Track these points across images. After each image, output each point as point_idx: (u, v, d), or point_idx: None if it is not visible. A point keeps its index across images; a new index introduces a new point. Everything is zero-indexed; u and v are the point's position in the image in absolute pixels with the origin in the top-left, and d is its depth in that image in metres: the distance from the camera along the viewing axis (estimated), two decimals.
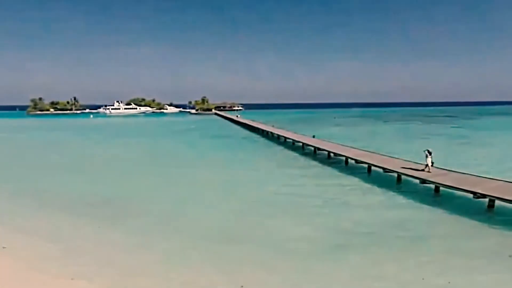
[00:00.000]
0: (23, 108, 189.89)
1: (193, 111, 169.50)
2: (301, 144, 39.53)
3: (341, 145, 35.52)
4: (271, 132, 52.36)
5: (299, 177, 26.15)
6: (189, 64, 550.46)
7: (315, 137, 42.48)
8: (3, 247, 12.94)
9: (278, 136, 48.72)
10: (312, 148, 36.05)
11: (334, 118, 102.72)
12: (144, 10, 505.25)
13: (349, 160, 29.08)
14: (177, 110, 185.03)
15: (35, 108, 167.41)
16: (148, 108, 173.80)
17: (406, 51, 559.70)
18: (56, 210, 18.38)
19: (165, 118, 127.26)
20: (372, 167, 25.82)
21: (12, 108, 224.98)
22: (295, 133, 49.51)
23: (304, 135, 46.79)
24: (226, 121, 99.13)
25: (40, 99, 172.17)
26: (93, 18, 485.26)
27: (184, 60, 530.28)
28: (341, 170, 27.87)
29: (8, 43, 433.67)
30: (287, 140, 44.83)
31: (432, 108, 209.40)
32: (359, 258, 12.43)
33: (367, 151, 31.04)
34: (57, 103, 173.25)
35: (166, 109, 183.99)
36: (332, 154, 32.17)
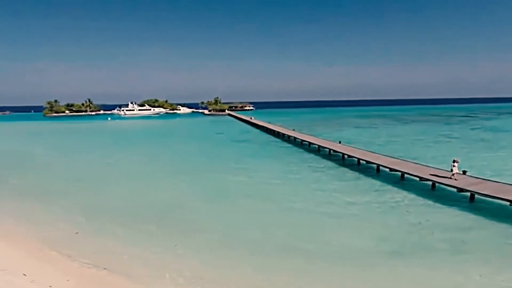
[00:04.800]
0: (38, 110, 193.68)
1: (206, 111, 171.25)
2: (327, 150, 40.89)
3: (370, 151, 36.63)
4: (294, 137, 53.45)
5: (333, 184, 27.15)
6: (199, 64, 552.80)
7: (341, 143, 43.67)
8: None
9: (302, 141, 49.83)
10: (340, 155, 37.49)
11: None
12: (156, 11, 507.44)
13: (380, 167, 30.58)
14: (189, 110, 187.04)
15: (51, 110, 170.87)
16: (162, 109, 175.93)
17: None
18: (125, 221, 19.71)
19: (184, 120, 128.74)
20: (405, 175, 27.19)
21: (27, 109, 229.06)
22: (319, 138, 50.40)
23: (325, 139, 48.07)
24: (241, 123, 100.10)
25: (55, 101, 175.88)
26: (105, 21, 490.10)
27: (193, 61, 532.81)
28: (374, 177, 28.98)
29: (22, 47, 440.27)
30: (312, 145, 46.12)
31: (447, 106, 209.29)
32: (414, 266, 13.71)
33: (399, 158, 32.15)
34: (72, 105, 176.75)
35: (179, 109, 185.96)
36: (362, 162, 33.47)
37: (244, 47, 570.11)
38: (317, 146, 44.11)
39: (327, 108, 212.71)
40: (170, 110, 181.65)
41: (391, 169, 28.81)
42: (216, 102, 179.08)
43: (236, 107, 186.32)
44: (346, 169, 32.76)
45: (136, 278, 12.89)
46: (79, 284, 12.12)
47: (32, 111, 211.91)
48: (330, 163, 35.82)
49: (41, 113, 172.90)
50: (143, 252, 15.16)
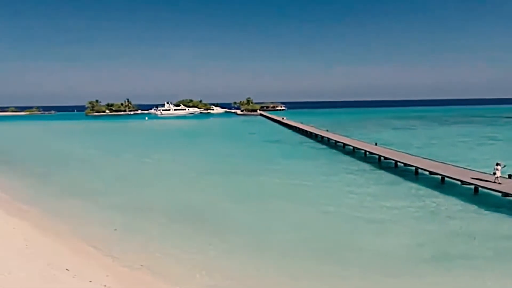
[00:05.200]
0: (80, 109, 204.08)
1: (239, 111, 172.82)
2: (363, 151, 39.92)
3: (408, 154, 35.36)
4: (328, 138, 52.66)
5: (369, 188, 26.45)
6: (232, 65, 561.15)
7: (377, 144, 42.45)
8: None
9: (336, 142, 48.93)
10: (377, 157, 36.43)
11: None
12: (188, 12, 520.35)
13: (419, 170, 29.38)
14: (222, 110, 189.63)
15: (93, 110, 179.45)
16: (196, 109, 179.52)
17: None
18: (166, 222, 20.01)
19: (217, 120, 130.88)
20: (446, 178, 25.95)
21: (71, 109, 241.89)
22: (354, 139, 49.24)
23: (361, 140, 46.92)
24: (273, 123, 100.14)
25: (96, 101, 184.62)
26: (141, 22, 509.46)
27: (226, 61, 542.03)
28: (412, 181, 27.92)
29: (66, 49, 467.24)
30: (347, 146, 45.14)
31: (492, 107, 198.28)
32: (455, 274, 13.06)
33: (439, 161, 30.76)
34: (112, 105, 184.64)
35: (213, 109, 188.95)
36: (400, 164, 32.34)
37: (275, 47, 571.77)
38: (352, 147, 43.17)
39: (361, 109, 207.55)
40: (204, 110, 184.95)
41: (430, 172, 27.60)
42: (248, 102, 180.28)
43: (267, 107, 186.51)
44: (382, 172, 31.83)
45: (168, 277, 13.09)
46: (117, 280, 12.46)
47: (75, 110, 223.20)
48: (365, 166, 34.96)
49: (83, 112, 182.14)
50: (177, 251, 15.39)
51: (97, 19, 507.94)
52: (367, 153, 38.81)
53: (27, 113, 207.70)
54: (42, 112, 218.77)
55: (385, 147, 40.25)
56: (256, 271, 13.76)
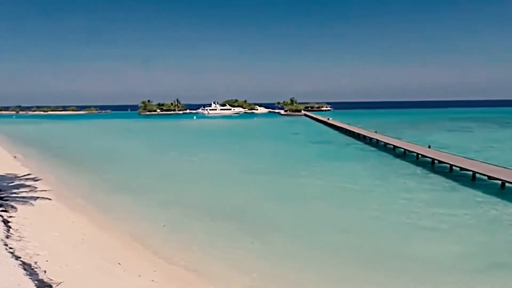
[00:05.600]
0: (133, 108, 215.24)
1: (282, 111, 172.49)
2: (415, 154, 37.96)
3: (464, 157, 32.97)
4: (377, 140, 50.79)
5: (421, 193, 25.06)
6: (275, 65, 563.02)
7: (430, 147, 40.13)
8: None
9: (385, 144, 47.05)
10: (430, 160, 34.41)
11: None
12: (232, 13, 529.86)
13: (476, 175, 27.29)
14: (266, 110, 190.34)
15: (145, 109, 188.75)
16: (241, 109, 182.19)
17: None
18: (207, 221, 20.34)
19: (261, 120, 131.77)
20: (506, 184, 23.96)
21: (125, 108, 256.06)
22: (405, 141, 46.89)
23: (412, 142, 44.59)
24: (318, 124, 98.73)
25: (148, 101, 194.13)
26: (187, 24, 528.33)
27: (270, 62, 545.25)
28: (469, 186, 26.12)
29: (121, 51, 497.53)
30: (397, 149, 43.22)
31: None
32: None
33: (498, 165, 28.30)
34: (163, 105, 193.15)
35: (257, 109, 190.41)
36: (455, 168, 30.26)
37: (320, 47, 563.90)
38: (403, 150, 41.22)
39: (411, 109, 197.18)
40: (249, 110, 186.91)
41: (489, 177, 25.54)
42: (292, 102, 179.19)
43: (312, 107, 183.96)
44: (436, 176, 30.06)
45: (211, 276, 13.23)
46: (164, 276, 12.86)
47: (129, 109, 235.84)
48: (417, 169, 33.26)
49: (136, 111, 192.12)
50: (219, 250, 15.57)
51: (150, 22, 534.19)
52: (419, 156, 36.84)
53: (86, 112, 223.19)
54: (99, 111, 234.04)
55: (439, 150, 37.91)
56: (297, 275, 13.53)
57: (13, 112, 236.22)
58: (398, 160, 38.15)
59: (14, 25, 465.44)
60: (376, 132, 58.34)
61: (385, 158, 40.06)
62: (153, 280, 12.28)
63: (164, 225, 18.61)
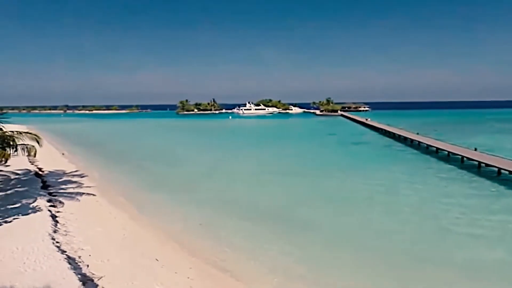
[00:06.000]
0: (172, 108, 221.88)
1: (318, 112, 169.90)
2: (460, 157, 35.95)
3: None
4: (418, 141, 48.60)
5: (466, 198, 23.67)
6: (311, 65, 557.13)
7: (477, 150, 37.78)
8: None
9: (428, 146, 44.91)
10: (476, 163, 32.39)
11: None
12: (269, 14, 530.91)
13: None
14: (301, 110, 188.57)
15: (183, 109, 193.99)
16: (275, 109, 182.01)
17: None
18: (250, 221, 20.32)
19: (296, 120, 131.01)
20: None
21: (164, 108, 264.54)
22: (448, 143, 44.45)
23: (457, 145, 42.27)
24: (356, 124, 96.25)
25: (186, 101, 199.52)
26: (222, 25, 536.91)
27: (305, 63, 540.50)
28: None
29: (161, 53, 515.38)
30: (440, 151, 41.14)
31: None
32: None
33: None
34: (200, 104, 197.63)
35: (291, 109, 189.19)
36: (504, 172, 28.32)
37: (355, 47, 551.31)
38: (446, 152, 39.24)
39: (454, 110, 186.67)
40: (283, 110, 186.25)
41: None
42: (328, 102, 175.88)
43: (349, 107, 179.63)
44: (482, 180, 28.37)
45: (246, 276, 13.25)
46: (200, 273, 13.05)
47: (168, 109, 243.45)
48: (462, 173, 31.50)
49: (174, 111, 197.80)
50: (256, 251, 15.54)
51: (183, 27, 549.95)
52: (465, 159, 34.84)
53: (128, 111, 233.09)
54: (140, 110, 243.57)
55: (486, 153, 35.62)
56: (333, 278, 13.27)
57: (61, 111, 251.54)
58: (441, 163, 36.29)
59: (67, 27, 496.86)
60: (417, 133, 55.89)
61: (427, 161, 38.22)
62: (188, 277, 12.51)
63: (200, 224, 18.92)
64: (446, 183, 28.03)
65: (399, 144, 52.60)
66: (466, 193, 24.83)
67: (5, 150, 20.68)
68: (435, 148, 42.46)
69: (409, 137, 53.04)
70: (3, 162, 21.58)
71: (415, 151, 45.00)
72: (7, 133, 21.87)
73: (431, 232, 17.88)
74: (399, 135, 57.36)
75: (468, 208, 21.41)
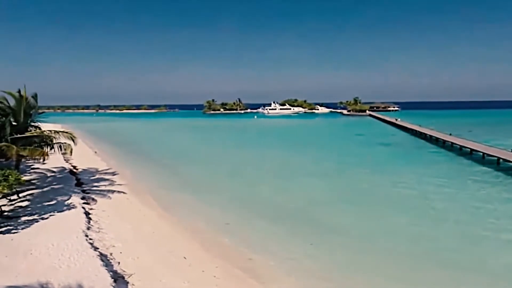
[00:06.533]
0: (199, 108, 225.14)
1: (345, 111, 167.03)
2: (495, 159, 34.35)
3: None
4: (451, 142, 46.85)
5: (503, 202, 22.69)
6: (337, 64, 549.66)
7: None
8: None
9: (461, 147, 43.24)
10: None
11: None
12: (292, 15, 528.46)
13: None
14: (327, 110, 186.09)
15: (209, 109, 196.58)
16: (301, 109, 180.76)
17: None
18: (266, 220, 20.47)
19: (322, 120, 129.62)
20: None
21: (191, 107, 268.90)
22: (483, 144, 42.56)
23: (492, 146, 40.41)
24: (385, 125, 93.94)
25: (213, 100, 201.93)
26: (247, 24, 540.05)
27: (332, 63, 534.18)
28: None
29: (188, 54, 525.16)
30: (474, 152, 39.48)
31: None
32: None
33: None
34: (226, 104, 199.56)
35: (317, 109, 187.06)
36: None
37: (381, 46, 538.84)
38: (481, 154, 37.65)
39: (487, 110, 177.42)
40: (309, 109, 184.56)
41: None
42: (355, 102, 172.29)
43: (378, 107, 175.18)
44: None
45: (268, 276, 13.29)
46: (225, 272, 13.18)
47: (195, 108, 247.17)
48: (498, 175, 30.22)
49: (201, 111, 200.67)
50: (279, 251, 15.59)
51: (208, 29, 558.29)
52: (501, 160, 33.27)
53: (157, 110, 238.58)
54: (168, 109, 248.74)
55: None
56: (355, 280, 13.10)
57: (93, 111, 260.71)
58: (475, 165, 34.83)
59: (100, 30, 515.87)
60: (450, 134, 53.79)
61: (460, 163, 36.82)
62: (214, 276, 12.68)
63: (227, 224, 19.11)
64: (480, 186, 26.89)
65: (431, 145, 50.92)
66: (502, 198, 23.75)
67: (43, 148, 21.71)
68: (469, 150, 40.80)
69: (441, 137, 51.28)
70: (41, 160, 22.62)
71: (448, 152, 43.49)
72: (45, 132, 22.97)
73: (464, 238, 17.23)
74: (431, 136, 55.58)
75: (504, 213, 20.47)
